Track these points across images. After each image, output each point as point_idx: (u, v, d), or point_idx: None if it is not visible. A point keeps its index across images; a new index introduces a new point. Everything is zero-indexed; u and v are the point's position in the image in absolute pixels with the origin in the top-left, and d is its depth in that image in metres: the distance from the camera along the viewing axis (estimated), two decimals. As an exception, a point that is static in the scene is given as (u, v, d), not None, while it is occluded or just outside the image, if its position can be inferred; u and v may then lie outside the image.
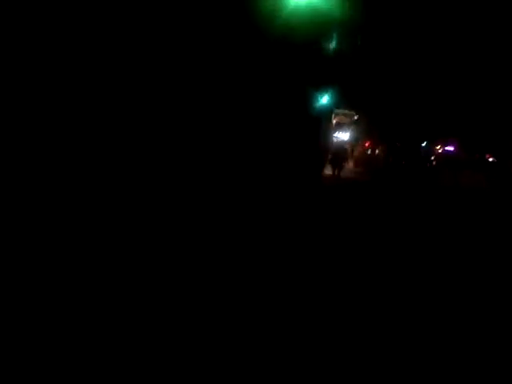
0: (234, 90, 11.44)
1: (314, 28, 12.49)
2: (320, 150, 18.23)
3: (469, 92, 26.15)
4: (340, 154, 20.77)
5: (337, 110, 25.06)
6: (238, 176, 11.16)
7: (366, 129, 33.22)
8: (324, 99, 15.17)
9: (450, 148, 38.21)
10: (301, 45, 12.15)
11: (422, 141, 38.48)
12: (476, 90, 25.98)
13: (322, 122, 16.55)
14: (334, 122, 27.27)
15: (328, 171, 21.17)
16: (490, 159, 30.92)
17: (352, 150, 34.24)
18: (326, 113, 18.81)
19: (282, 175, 13.08)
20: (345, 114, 28.40)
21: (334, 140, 32.51)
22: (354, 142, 35.82)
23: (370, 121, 31.03)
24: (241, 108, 11.73)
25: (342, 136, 35.66)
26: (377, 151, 37.67)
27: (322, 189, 15.45)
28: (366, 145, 38.38)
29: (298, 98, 12.99)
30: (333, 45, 14.41)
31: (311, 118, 14.11)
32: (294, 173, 14.08)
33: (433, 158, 35.74)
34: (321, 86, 14.22)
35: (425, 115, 28.92)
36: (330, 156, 21.55)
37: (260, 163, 12.50)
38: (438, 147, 41.47)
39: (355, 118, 31.04)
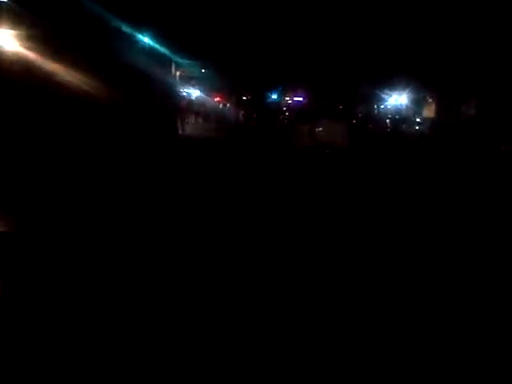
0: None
1: None
2: (160, 106, 15.36)
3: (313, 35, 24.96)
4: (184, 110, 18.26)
5: (179, 61, 22.03)
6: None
7: (217, 81, 30.85)
8: (146, 39, 11.84)
9: (299, 98, 37.56)
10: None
11: (273, 91, 37.42)
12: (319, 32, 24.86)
13: (155, 74, 13.50)
14: (178, 74, 24.26)
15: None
16: (340, 106, 30.63)
17: (202, 106, 31.94)
18: (162, 64, 15.76)
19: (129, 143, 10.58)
20: (189, 66, 25.44)
21: (182, 95, 29.81)
22: (203, 96, 33.53)
23: (220, 72, 28.58)
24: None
25: (190, 91, 33.00)
26: (228, 105, 35.88)
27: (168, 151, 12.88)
28: (217, 99, 36.26)
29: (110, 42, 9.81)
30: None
31: (135, 70, 10.92)
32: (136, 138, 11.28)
33: (285, 109, 34.79)
34: (138, 24, 10.89)
35: (273, 62, 27.36)
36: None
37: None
38: (288, 98, 40.91)
39: (202, 70, 28.34)
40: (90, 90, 9.99)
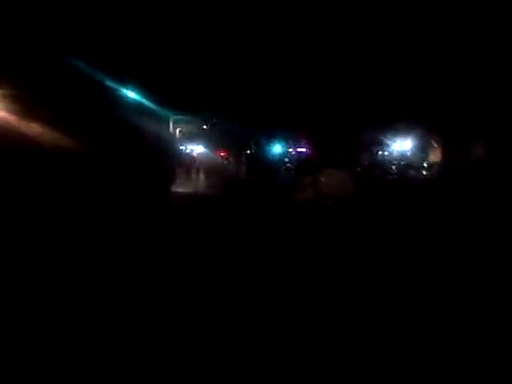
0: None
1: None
2: (155, 164, 14.83)
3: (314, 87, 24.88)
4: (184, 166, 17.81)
5: (177, 117, 21.77)
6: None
7: (219, 137, 30.77)
8: (131, 94, 11.36)
9: (302, 149, 37.37)
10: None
11: (275, 144, 37.30)
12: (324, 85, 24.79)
13: (150, 132, 13.02)
14: (177, 131, 24.08)
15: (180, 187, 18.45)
16: (344, 155, 30.14)
17: (203, 162, 31.74)
18: (158, 121, 15.38)
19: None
20: (188, 122, 25.24)
21: (183, 152, 29.69)
22: (205, 152, 33.44)
23: (221, 128, 28.44)
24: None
25: (192, 147, 32.94)
26: (230, 160, 35.73)
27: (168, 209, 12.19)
28: (222, 155, 36.18)
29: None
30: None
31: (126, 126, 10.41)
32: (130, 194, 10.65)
33: (287, 160, 34.44)
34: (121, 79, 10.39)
35: (275, 116, 27.18)
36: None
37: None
38: (291, 150, 40.79)
39: (204, 126, 28.20)
40: (78, 150, 9.46)
